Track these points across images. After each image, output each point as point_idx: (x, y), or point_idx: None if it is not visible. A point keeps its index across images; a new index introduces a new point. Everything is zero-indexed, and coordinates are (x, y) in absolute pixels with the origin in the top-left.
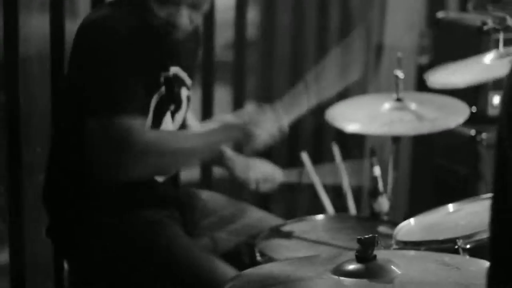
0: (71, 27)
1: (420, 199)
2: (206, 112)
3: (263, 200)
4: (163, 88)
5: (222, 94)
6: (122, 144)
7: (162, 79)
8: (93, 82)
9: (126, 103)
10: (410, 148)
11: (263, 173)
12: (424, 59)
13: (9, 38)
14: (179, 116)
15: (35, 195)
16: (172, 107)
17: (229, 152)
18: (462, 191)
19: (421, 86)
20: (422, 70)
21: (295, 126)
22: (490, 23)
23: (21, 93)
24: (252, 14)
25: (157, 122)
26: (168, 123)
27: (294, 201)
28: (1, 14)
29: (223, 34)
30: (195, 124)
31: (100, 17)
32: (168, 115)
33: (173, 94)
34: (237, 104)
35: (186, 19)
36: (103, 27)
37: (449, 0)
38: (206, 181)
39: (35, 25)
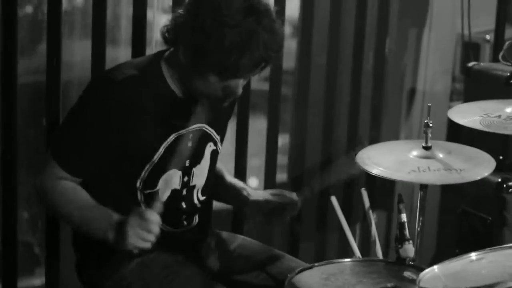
0: (112, 54)
1: (447, 245)
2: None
3: (294, 241)
4: (162, 149)
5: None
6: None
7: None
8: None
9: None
10: (439, 195)
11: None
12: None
13: (52, 63)
14: (198, 171)
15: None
16: (187, 163)
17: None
18: (488, 238)
19: (452, 132)
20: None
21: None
22: None
23: (62, 117)
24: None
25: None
26: (175, 179)
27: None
28: (44, 39)
29: None
30: (228, 177)
31: (124, 78)
32: (172, 173)
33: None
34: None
35: (241, 88)
36: (114, 86)
37: (483, 49)
38: (238, 226)
39: (77, 51)
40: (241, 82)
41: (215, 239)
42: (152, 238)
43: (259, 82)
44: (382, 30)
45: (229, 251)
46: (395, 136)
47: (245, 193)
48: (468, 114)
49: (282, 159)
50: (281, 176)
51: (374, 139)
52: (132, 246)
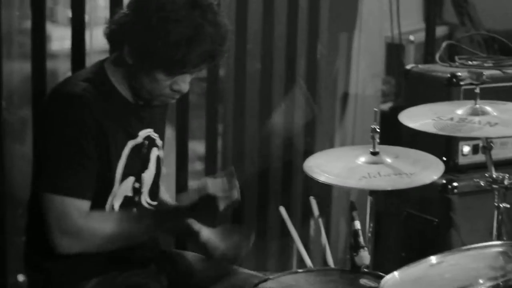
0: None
1: (392, 249)
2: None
3: None
4: (124, 157)
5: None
6: (58, 225)
7: (129, 148)
8: (48, 154)
9: (74, 183)
10: (383, 199)
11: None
12: (386, 106)
13: None
14: (147, 175)
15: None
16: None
17: (204, 231)
18: (435, 240)
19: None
20: (385, 116)
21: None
22: (462, 76)
23: None
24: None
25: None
26: (129, 185)
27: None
28: None
29: None
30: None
31: (73, 90)
32: (128, 180)
33: (139, 158)
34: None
35: (188, 85)
36: (76, 100)
37: (408, 50)
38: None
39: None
40: (188, 78)
41: (165, 257)
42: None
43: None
44: (312, 35)
45: (181, 268)
46: (330, 142)
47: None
48: (419, 118)
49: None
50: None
51: (309, 145)
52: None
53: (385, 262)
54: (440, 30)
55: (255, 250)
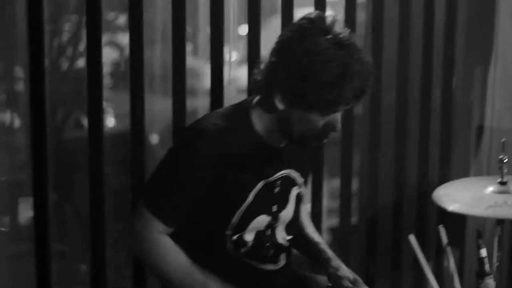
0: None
1: None
2: None
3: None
4: (251, 196)
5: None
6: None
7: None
8: (157, 172)
9: (163, 207)
10: (510, 229)
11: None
12: None
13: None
14: (284, 215)
15: None
16: (274, 208)
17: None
18: None
19: None
20: None
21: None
22: None
23: (147, 166)
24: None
25: (242, 225)
26: (261, 223)
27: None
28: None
29: None
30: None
31: (207, 127)
32: (260, 218)
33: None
34: None
35: (340, 123)
36: (206, 135)
37: None
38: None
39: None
40: (339, 117)
41: (297, 280)
42: None
43: None
44: (448, 67)
45: None
46: (465, 173)
47: (325, 256)
48: None
49: (353, 202)
50: (353, 219)
51: (444, 177)
52: None
53: None
54: None
55: (390, 279)
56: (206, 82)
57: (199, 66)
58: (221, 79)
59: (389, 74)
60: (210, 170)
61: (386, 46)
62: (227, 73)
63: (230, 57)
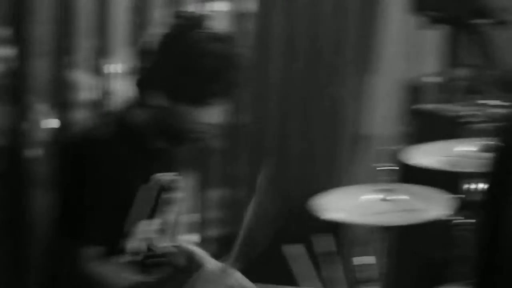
0: None
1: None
2: None
3: None
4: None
5: None
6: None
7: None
8: (68, 202)
9: (90, 232)
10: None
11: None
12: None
13: None
14: (168, 217)
15: None
16: (155, 213)
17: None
18: (442, 276)
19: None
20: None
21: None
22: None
23: None
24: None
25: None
26: (145, 229)
27: None
28: None
29: None
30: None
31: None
32: (144, 223)
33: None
34: None
35: (216, 117)
36: (108, 145)
37: (424, 91)
38: None
39: None
40: (214, 111)
41: None
42: None
43: None
44: (335, 76)
45: None
46: (348, 182)
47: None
48: (431, 155)
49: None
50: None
51: (328, 185)
52: None
53: None
54: (459, 71)
55: None
56: (88, 94)
57: (80, 78)
58: (103, 91)
59: (274, 83)
60: (105, 174)
61: (271, 56)
62: (110, 85)
63: (114, 69)
